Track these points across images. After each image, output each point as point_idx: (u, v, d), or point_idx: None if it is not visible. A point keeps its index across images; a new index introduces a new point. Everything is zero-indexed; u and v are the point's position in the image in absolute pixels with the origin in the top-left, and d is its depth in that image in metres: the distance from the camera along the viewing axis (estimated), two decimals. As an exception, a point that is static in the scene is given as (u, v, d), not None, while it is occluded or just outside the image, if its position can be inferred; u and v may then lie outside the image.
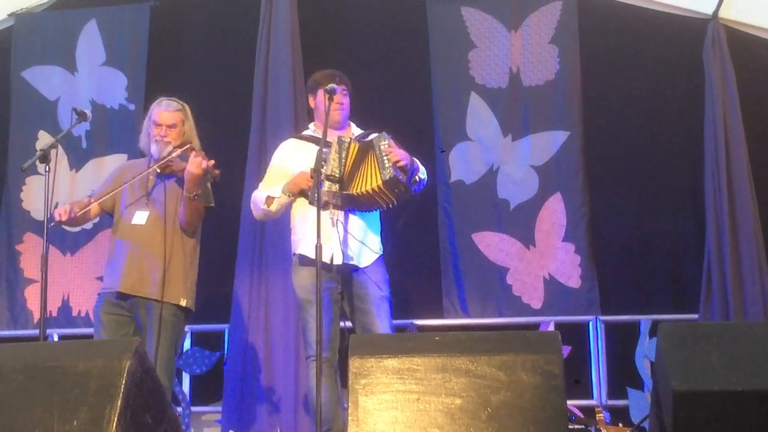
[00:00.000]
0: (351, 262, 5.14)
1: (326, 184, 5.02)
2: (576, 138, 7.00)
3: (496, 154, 7.11)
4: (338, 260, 5.11)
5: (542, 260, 6.94)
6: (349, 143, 5.13)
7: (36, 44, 7.55)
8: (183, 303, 5.17)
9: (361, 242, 5.17)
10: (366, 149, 5.09)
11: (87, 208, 5.18)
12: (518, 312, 6.89)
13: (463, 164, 7.11)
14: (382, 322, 5.11)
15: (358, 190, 5.04)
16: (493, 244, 7.01)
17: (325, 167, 5.00)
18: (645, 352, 6.60)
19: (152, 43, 7.39)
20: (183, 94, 7.23)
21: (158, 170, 5.18)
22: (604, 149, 7.10)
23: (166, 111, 5.27)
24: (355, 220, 5.18)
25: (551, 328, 6.69)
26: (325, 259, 5.02)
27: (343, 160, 5.07)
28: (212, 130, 7.26)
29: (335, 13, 7.49)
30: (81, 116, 5.15)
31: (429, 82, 7.19)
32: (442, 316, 6.93)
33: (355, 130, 5.41)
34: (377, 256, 5.24)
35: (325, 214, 5.06)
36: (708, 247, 6.74)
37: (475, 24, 7.19)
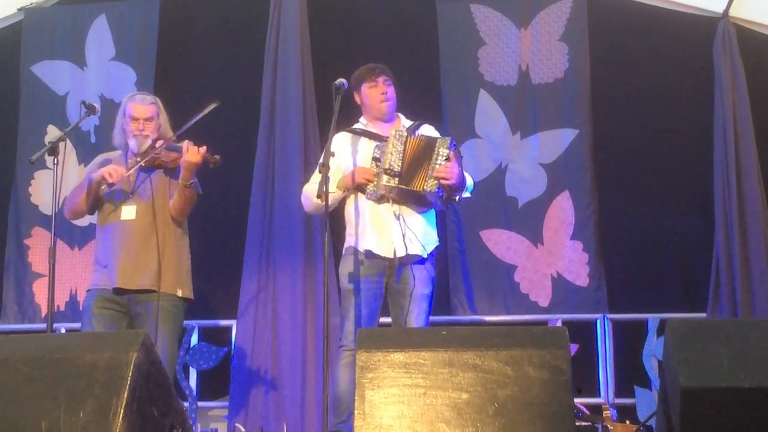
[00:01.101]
0: (414, 253, 5.14)
1: (384, 178, 5.04)
2: (585, 136, 6.98)
3: (504, 152, 7.09)
4: (401, 252, 5.12)
5: (550, 258, 6.93)
6: (407, 136, 5.14)
7: (45, 39, 7.54)
8: (180, 293, 5.20)
9: (422, 233, 5.19)
10: (428, 148, 5.10)
11: (125, 175, 5.19)
12: (526, 310, 6.87)
13: (472, 162, 7.08)
14: (416, 320, 5.11)
15: (414, 188, 5.06)
16: (501, 242, 7.00)
17: (382, 161, 5.06)
18: (653, 350, 6.58)
19: (161, 38, 7.39)
20: (192, 89, 7.30)
21: (143, 165, 5.19)
22: (613, 147, 7.09)
23: (142, 105, 5.29)
24: (414, 213, 5.21)
25: (558, 326, 6.69)
26: (388, 253, 5.12)
27: (401, 154, 5.07)
28: (221, 126, 7.29)
29: (344, 9, 7.49)
30: (90, 109, 5.18)
31: (438, 80, 7.17)
32: (449, 314, 6.92)
33: (405, 122, 5.43)
34: (430, 251, 5.23)
35: (385, 208, 5.15)
36: (717, 246, 6.72)
37: (484, 21, 7.18)
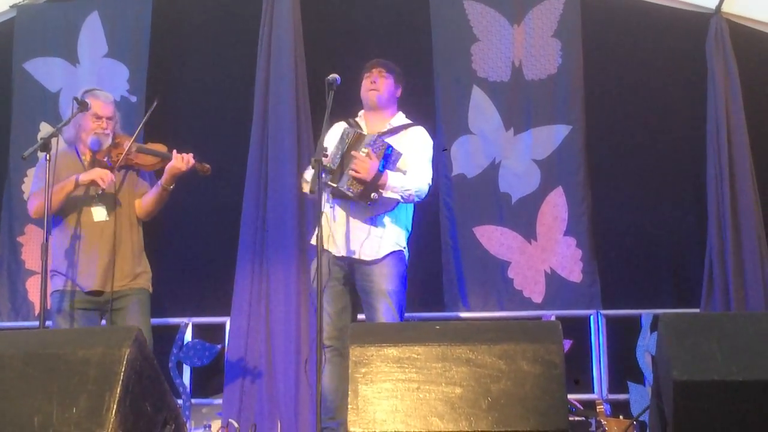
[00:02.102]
0: (353, 256, 5.15)
1: (325, 176, 5.03)
2: (578, 132, 6.97)
3: (497, 148, 7.09)
4: (339, 252, 5.15)
5: (543, 254, 6.93)
6: (350, 135, 5.13)
7: (38, 36, 7.52)
8: (150, 289, 5.37)
9: (362, 236, 5.16)
10: (357, 146, 5.11)
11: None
12: (519, 306, 6.86)
13: (465, 158, 7.09)
14: (383, 316, 5.09)
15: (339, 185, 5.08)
16: (495, 238, 7.00)
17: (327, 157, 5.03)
18: (646, 346, 6.57)
19: (154, 35, 7.36)
20: (185, 86, 7.28)
21: (113, 164, 5.22)
22: (606, 143, 7.08)
23: (106, 103, 5.32)
24: (362, 213, 5.18)
25: (552, 322, 6.67)
26: (333, 250, 5.14)
27: (340, 152, 5.09)
28: (214, 122, 7.29)
29: (338, 5, 7.47)
30: (82, 105, 5.17)
31: (431, 76, 7.16)
32: (443, 310, 6.90)
33: (395, 121, 5.42)
34: (390, 251, 5.19)
35: (327, 207, 5.16)
36: (710, 242, 6.73)
37: (477, 17, 7.17)
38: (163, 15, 7.43)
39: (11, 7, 7.61)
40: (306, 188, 5.29)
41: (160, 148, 5.33)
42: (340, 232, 5.17)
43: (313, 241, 5.21)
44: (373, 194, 5.06)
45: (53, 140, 4.92)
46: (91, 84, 7.28)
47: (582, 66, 7.02)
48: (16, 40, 7.56)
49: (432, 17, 7.21)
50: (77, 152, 5.37)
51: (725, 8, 6.93)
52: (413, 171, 5.22)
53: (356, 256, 5.14)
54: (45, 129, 7.25)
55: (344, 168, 5.07)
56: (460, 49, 7.17)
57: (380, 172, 5.05)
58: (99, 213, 5.22)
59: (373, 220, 5.19)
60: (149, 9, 7.37)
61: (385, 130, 5.35)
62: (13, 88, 7.52)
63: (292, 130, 6.88)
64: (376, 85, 5.36)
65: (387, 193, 5.10)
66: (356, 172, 5.00)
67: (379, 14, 7.40)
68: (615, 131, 7.11)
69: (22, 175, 7.38)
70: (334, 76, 5.05)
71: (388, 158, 5.10)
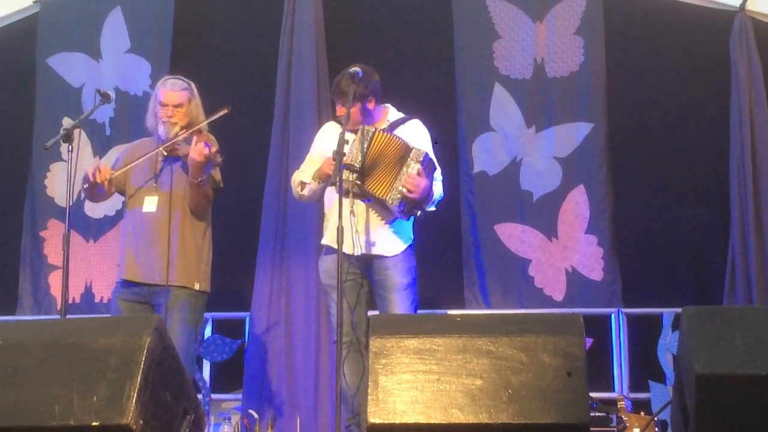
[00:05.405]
0: (371, 252, 5.11)
1: (345, 173, 4.94)
2: (600, 130, 6.95)
3: (519, 146, 7.08)
4: (357, 251, 5.09)
5: (565, 252, 6.91)
6: (373, 133, 5.05)
7: (61, 31, 7.54)
8: (197, 287, 5.18)
9: (382, 232, 5.14)
10: (401, 155, 5.02)
11: (110, 177, 5.18)
12: (540, 304, 6.85)
13: (487, 155, 7.08)
14: (398, 309, 5.08)
15: (372, 189, 5.02)
16: (516, 236, 6.99)
17: (346, 155, 4.94)
18: (667, 345, 6.55)
19: (176, 30, 7.37)
20: (207, 82, 7.24)
21: (165, 153, 5.16)
22: (628, 141, 7.06)
23: (172, 91, 5.23)
24: (380, 210, 5.16)
25: (573, 320, 6.64)
26: (346, 248, 5.00)
27: (365, 151, 5.00)
28: (235, 118, 7.27)
29: (359, 2, 7.48)
30: (104, 97, 5.18)
31: (453, 73, 7.15)
32: (463, 307, 6.88)
33: (391, 116, 5.34)
34: (404, 246, 5.18)
35: (346, 204, 5.00)
36: (732, 241, 6.70)
37: (499, 14, 7.16)
38: (186, 10, 7.44)
39: (35, 2, 7.63)
40: (303, 190, 5.25)
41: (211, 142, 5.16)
42: (360, 231, 5.11)
43: (324, 241, 5.24)
44: (418, 212, 5.07)
45: (75, 132, 4.93)
46: (114, 79, 7.36)
47: (604, 63, 7.01)
48: (40, 35, 7.58)
49: (454, 14, 7.20)
50: (158, 141, 5.28)
51: (749, 6, 6.90)
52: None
53: (376, 252, 5.11)
54: (67, 124, 7.26)
55: (375, 170, 4.99)
56: (482, 46, 7.16)
57: (430, 191, 5.05)
58: (149, 203, 5.17)
59: (391, 216, 5.15)
60: (172, 4, 7.38)
61: (385, 126, 5.24)
62: (37, 83, 7.55)
63: (314, 124, 6.87)
64: (345, 116, 5.07)
65: (430, 207, 5.13)
66: (410, 192, 4.95)
67: (400, 11, 7.40)
68: (637, 129, 7.09)
69: (45, 170, 7.41)
70: (355, 69, 5.05)
71: (432, 175, 5.08)
